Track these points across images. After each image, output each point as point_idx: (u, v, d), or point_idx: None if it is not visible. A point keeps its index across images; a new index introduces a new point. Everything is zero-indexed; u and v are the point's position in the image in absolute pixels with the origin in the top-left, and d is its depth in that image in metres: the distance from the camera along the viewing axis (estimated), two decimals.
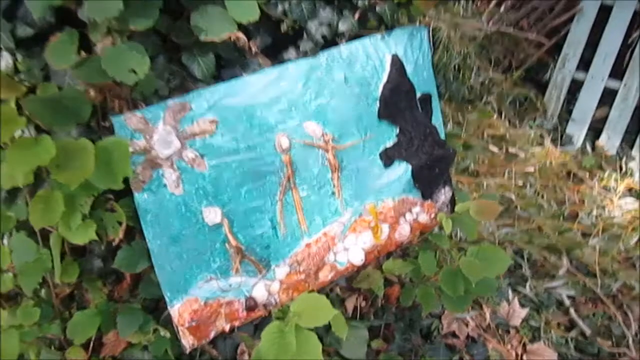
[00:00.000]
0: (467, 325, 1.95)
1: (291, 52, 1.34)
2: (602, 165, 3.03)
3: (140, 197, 1.12)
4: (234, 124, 1.18)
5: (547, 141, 3.14)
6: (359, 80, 1.33)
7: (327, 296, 1.41)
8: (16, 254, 1.17)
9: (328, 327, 1.21)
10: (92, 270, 1.23)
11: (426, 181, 1.48)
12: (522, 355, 1.91)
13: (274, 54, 1.33)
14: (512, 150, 3.03)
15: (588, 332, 2.03)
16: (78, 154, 0.97)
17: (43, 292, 1.28)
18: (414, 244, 1.57)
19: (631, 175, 2.97)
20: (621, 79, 3.18)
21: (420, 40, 1.42)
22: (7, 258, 1.18)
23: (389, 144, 1.41)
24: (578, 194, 2.77)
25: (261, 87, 1.21)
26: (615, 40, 3.15)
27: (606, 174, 2.94)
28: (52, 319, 1.25)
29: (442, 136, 1.52)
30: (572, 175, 2.93)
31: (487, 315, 2.03)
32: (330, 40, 1.34)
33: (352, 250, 1.36)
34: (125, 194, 1.12)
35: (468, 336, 1.92)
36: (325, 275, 1.34)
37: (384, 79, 1.37)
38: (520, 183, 2.79)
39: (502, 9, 3.44)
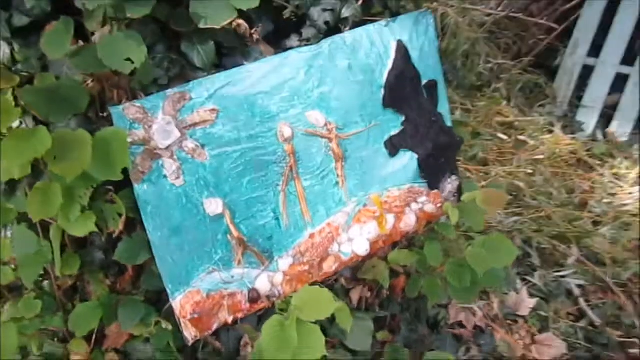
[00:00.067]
0: (474, 315, 1.93)
1: (293, 40, 1.31)
2: (613, 152, 2.98)
3: (140, 189, 1.10)
4: (235, 113, 1.16)
5: (557, 128, 3.09)
6: (363, 67, 1.30)
7: (332, 287, 1.41)
8: (17, 246, 1.17)
9: (333, 319, 1.20)
10: (94, 262, 1.23)
11: (432, 170, 1.45)
12: (530, 346, 1.89)
13: (276, 41, 1.31)
14: (521, 137, 2.98)
15: (598, 321, 2.00)
16: (75, 145, 0.96)
17: (45, 284, 1.28)
18: (420, 234, 1.55)
19: None
20: (633, 64, 3.12)
21: (426, 26, 1.39)
22: (8, 250, 1.17)
23: (394, 132, 1.38)
24: (588, 182, 2.72)
25: (263, 75, 1.19)
26: (627, 25, 3.09)
27: (617, 162, 2.89)
28: (55, 311, 1.24)
29: (449, 124, 1.49)
30: (582, 163, 2.89)
31: (495, 305, 2.00)
32: (334, 27, 1.32)
33: (357, 241, 1.34)
34: (125, 185, 1.10)
35: (475, 326, 1.90)
36: (329, 266, 1.32)
37: (389, 65, 1.34)
38: (529, 171, 2.75)
39: None
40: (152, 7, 1.00)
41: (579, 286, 2.15)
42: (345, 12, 1.32)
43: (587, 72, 3.26)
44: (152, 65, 1.13)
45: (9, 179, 1.03)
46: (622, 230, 2.38)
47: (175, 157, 1.12)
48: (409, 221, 1.42)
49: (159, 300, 1.25)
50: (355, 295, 1.50)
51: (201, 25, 1.10)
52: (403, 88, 1.36)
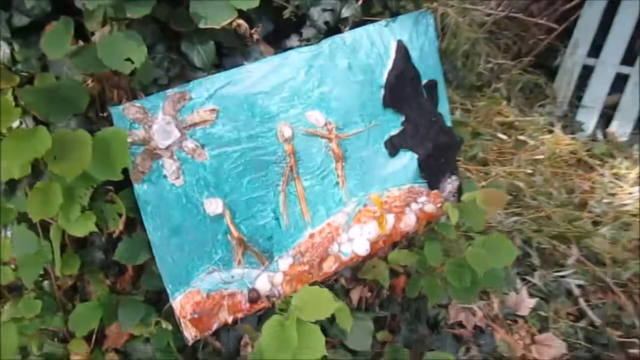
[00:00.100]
0: (474, 315, 1.93)
1: (293, 40, 1.31)
2: (613, 152, 2.98)
3: (140, 188, 1.10)
4: (235, 113, 1.16)
5: (557, 128, 3.09)
6: (363, 67, 1.30)
7: (332, 287, 1.41)
8: (17, 246, 1.17)
9: (333, 319, 1.20)
10: (94, 262, 1.22)
11: (432, 170, 1.45)
12: (530, 346, 1.89)
13: (276, 41, 1.31)
14: (521, 137, 2.98)
15: (598, 321, 2.00)
16: (75, 145, 0.96)
17: (45, 284, 1.28)
18: (420, 234, 1.55)
19: None
20: (633, 64, 3.12)
21: (426, 26, 1.39)
22: (8, 250, 1.17)
23: (394, 132, 1.38)
24: (588, 182, 2.72)
25: (262, 75, 1.19)
26: (627, 25, 3.08)
27: (617, 162, 2.89)
28: (55, 311, 1.24)
29: (449, 124, 1.49)
30: (582, 163, 2.88)
31: (495, 305, 2.00)
32: (334, 27, 1.32)
33: (357, 241, 1.34)
34: (125, 185, 1.10)
35: (475, 326, 1.90)
36: (329, 266, 1.32)
37: (389, 65, 1.34)
38: (529, 171, 2.74)
39: None
40: (152, 7, 1.00)
41: (579, 286, 2.14)
42: (345, 12, 1.32)
43: (587, 72, 3.26)
44: (152, 65, 1.13)
45: (9, 179, 1.03)
46: (622, 230, 2.38)
47: (175, 157, 1.12)
48: (409, 221, 1.42)
49: (159, 300, 1.25)
50: (355, 295, 1.50)
51: (201, 25, 1.10)
52: (403, 88, 1.36)
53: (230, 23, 1.16)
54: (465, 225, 1.97)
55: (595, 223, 2.45)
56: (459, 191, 1.51)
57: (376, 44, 1.31)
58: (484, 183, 2.57)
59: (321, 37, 1.29)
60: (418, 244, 1.60)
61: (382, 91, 1.33)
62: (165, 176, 1.12)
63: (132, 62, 0.97)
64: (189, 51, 1.17)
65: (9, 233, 1.23)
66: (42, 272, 1.23)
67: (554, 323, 1.98)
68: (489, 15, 3.25)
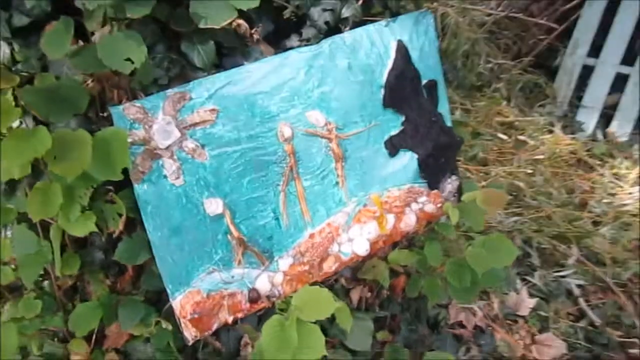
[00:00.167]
0: (474, 315, 1.93)
1: (294, 40, 1.31)
2: (613, 152, 2.98)
3: (140, 188, 1.10)
4: (235, 113, 1.16)
5: (557, 128, 3.09)
6: (363, 67, 1.30)
7: (332, 287, 1.41)
8: (17, 246, 1.16)
9: (332, 319, 1.20)
10: (94, 262, 1.22)
11: (432, 170, 1.45)
12: (530, 346, 1.89)
13: (276, 41, 1.31)
14: (521, 137, 2.98)
15: (598, 321, 2.00)
16: (75, 145, 0.95)
17: (46, 284, 1.28)
18: (420, 234, 1.55)
19: None
20: (633, 64, 3.12)
21: (426, 26, 1.39)
22: (8, 250, 1.17)
23: (394, 132, 1.38)
24: (588, 182, 2.72)
25: (262, 75, 1.19)
26: (627, 25, 3.08)
27: (617, 162, 2.89)
28: (55, 311, 1.24)
29: (449, 124, 1.49)
30: (582, 163, 2.88)
31: (495, 305, 2.00)
32: (334, 27, 1.32)
33: (357, 241, 1.34)
34: (125, 185, 1.10)
35: (475, 326, 1.90)
36: (329, 266, 1.32)
37: (389, 65, 1.34)
38: (529, 171, 2.75)
39: None
40: (151, 7, 1.00)
41: (579, 286, 2.14)
42: (346, 12, 1.32)
43: (587, 72, 3.26)
44: (152, 65, 1.13)
45: (9, 179, 1.03)
46: (622, 230, 2.38)
47: (175, 157, 1.12)
48: (409, 221, 1.42)
49: (159, 300, 1.25)
50: (355, 295, 1.50)
51: (201, 25, 1.10)
52: (403, 88, 1.36)
53: (231, 23, 1.15)
54: (466, 225, 1.97)
55: (596, 223, 2.45)
56: (459, 191, 1.51)
57: (376, 44, 1.31)
58: (484, 183, 2.57)
59: (321, 37, 1.29)
60: (418, 244, 1.60)
61: (382, 91, 1.33)
62: (165, 176, 1.12)
63: (132, 62, 0.97)
64: (189, 51, 1.16)
65: (9, 233, 1.23)
66: (42, 272, 1.23)
67: (554, 323, 1.98)
68: (489, 15, 3.25)
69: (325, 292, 1.01)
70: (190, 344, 1.19)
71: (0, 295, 1.27)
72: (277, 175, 1.23)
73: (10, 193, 1.15)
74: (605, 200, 2.59)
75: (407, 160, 1.41)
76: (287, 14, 1.28)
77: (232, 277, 1.21)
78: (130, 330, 1.21)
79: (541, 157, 2.84)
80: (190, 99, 1.12)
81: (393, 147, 1.38)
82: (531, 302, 2.03)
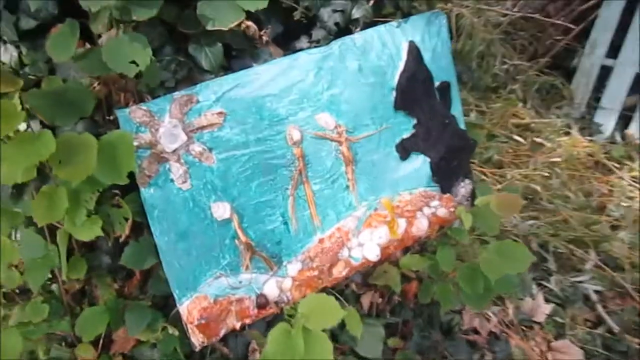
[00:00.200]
0: (489, 321, 1.90)
1: (303, 41, 1.30)
2: (632, 155, 2.91)
3: (147, 192, 1.09)
4: (243, 116, 1.15)
5: (575, 130, 3.03)
6: (374, 69, 1.28)
7: (342, 293, 1.39)
8: (24, 250, 1.16)
9: (343, 325, 1.18)
10: (101, 266, 1.22)
11: (445, 174, 1.43)
12: (546, 353, 1.85)
13: (286, 43, 1.29)
14: (537, 139, 2.93)
15: (616, 328, 1.95)
16: (80, 149, 0.95)
17: (54, 288, 1.27)
18: (433, 239, 1.52)
19: None
20: None
21: (439, 26, 1.36)
22: (16, 254, 1.17)
23: (406, 135, 1.36)
24: (606, 185, 2.66)
25: (271, 77, 1.17)
26: None
27: (636, 164, 2.83)
28: (62, 315, 1.23)
29: (462, 126, 1.46)
30: (600, 166, 2.82)
31: (510, 311, 1.97)
32: (344, 28, 1.30)
33: (367, 246, 1.32)
34: (132, 189, 1.09)
35: (490, 332, 1.86)
36: (339, 272, 1.30)
37: (401, 67, 1.32)
38: (545, 174, 2.69)
39: None
40: (158, 9, 0.98)
41: (597, 292, 2.10)
42: (356, 13, 1.30)
43: (605, 73, 3.20)
44: (159, 68, 1.12)
45: (17, 183, 1.03)
46: None
47: (182, 160, 1.10)
48: (421, 226, 1.40)
49: (166, 305, 1.24)
50: (365, 301, 1.48)
51: (209, 27, 1.09)
52: (415, 90, 1.34)
53: (239, 25, 1.14)
54: (480, 229, 1.93)
55: (614, 227, 2.40)
56: (473, 195, 1.48)
57: (387, 45, 1.29)
58: (499, 186, 2.53)
59: (331, 39, 1.27)
60: (430, 249, 1.57)
61: (394, 93, 1.31)
62: (172, 180, 1.10)
63: (137, 65, 0.95)
64: (196, 53, 1.15)
65: (18, 236, 1.22)
66: (50, 276, 1.23)
67: (570, 330, 1.94)
68: (504, 15, 3.21)
69: (332, 300, 0.99)
70: (197, 349, 1.18)
71: (9, 299, 1.27)
72: (286, 179, 1.21)
73: (17, 197, 1.15)
74: (623, 204, 2.53)
75: (419, 163, 1.38)
76: (296, 15, 1.26)
77: (240, 282, 1.19)
78: (137, 336, 1.20)
79: (558, 159, 2.79)
80: (198, 101, 1.10)
81: (404, 150, 1.35)
82: (547, 308, 1.99)
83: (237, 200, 1.17)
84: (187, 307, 1.15)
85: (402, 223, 1.36)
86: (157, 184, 1.09)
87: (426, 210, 1.40)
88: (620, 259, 2.20)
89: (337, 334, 1.39)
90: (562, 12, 3.28)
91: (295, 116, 1.20)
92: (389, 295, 1.52)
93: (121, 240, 1.14)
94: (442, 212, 1.43)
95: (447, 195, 1.44)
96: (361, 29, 1.29)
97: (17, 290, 1.28)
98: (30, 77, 1.10)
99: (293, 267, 1.25)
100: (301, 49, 1.25)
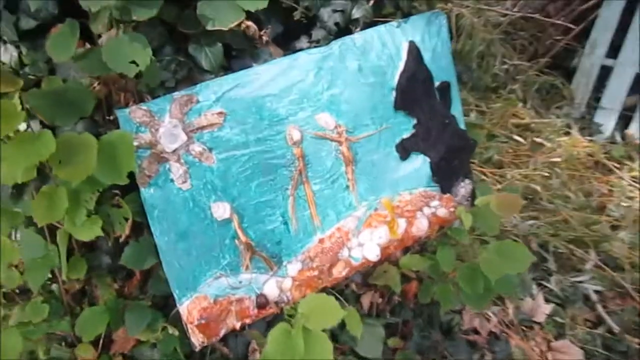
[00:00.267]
0: (489, 321, 1.90)
1: (303, 41, 1.29)
2: (632, 155, 2.91)
3: (147, 192, 1.09)
4: (243, 116, 1.15)
5: (575, 130, 3.03)
6: (374, 69, 1.28)
7: (342, 293, 1.38)
8: (25, 250, 1.16)
9: (343, 325, 1.18)
10: (101, 266, 1.22)
11: (445, 174, 1.43)
12: (546, 353, 1.85)
13: (286, 43, 1.29)
14: (537, 139, 2.92)
15: (616, 328, 1.95)
16: (80, 149, 0.95)
17: (55, 288, 1.27)
18: (433, 239, 1.52)
19: None
20: None
21: (439, 26, 1.36)
22: (17, 253, 1.16)
23: (406, 135, 1.36)
24: (606, 185, 2.66)
25: (271, 77, 1.17)
26: None
27: (636, 164, 2.83)
28: (62, 315, 1.23)
29: (462, 126, 1.46)
30: (600, 166, 2.82)
31: (510, 311, 1.97)
32: (344, 28, 1.30)
33: (367, 246, 1.32)
34: (132, 189, 1.09)
35: (490, 332, 1.86)
36: (339, 272, 1.30)
37: (401, 67, 1.32)
38: (545, 174, 2.69)
39: None
40: (158, 9, 0.98)
41: (597, 292, 2.10)
42: (356, 13, 1.30)
43: (605, 73, 3.20)
44: (159, 68, 1.12)
45: (11, 184, 1.03)
46: None
47: (182, 160, 1.10)
48: (421, 226, 1.40)
49: (166, 305, 1.24)
50: (365, 301, 1.47)
51: (209, 27, 1.09)
52: (415, 90, 1.34)
53: (239, 25, 1.14)
54: (480, 229, 1.93)
55: (614, 227, 2.39)
56: (473, 195, 1.48)
57: (387, 45, 1.29)
58: (499, 186, 2.52)
59: (331, 39, 1.27)
60: (430, 249, 1.57)
61: (394, 93, 1.31)
62: (172, 180, 1.10)
63: (137, 65, 0.95)
64: (196, 53, 1.15)
65: (19, 236, 1.22)
66: (50, 276, 1.23)
67: (570, 330, 1.94)
68: (504, 15, 3.20)
69: (332, 300, 0.99)
70: (197, 349, 1.18)
71: (9, 299, 1.27)
72: (286, 179, 1.21)
73: (17, 197, 1.15)
74: (624, 204, 2.53)
75: (419, 163, 1.38)
76: (296, 15, 1.26)
77: (240, 282, 1.19)
78: (137, 336, 1.20)
79: (558, 159, 2.78)
80: (198, 101, 1.10)
81: (404, 150, 1.35)
82: (547, 308, 1.99)
83: (237, 200, 1.17)
84: (187, 307, 1.15)
85: (402, 223, 1.36)
86: (157, 184, 1.09)
87: (426, 210, 1.40)
88: (621, 259, 2.20)
89: (337, 334, 1.39)
90: (562, 12, 3.28)
91: (295, 116, 1.20)
92: (389, 295, 1.52)
93: (121, 240, 1.14)
94: (442, 212, 1.43)
95: (447, 195, 1.44)
96: (361, 29, 1.29)
97: (17, 290, 1.29)
98: (30, 77, 1.10)
99: (293, 267, 1.25)
100: (301, 49, 1.25)
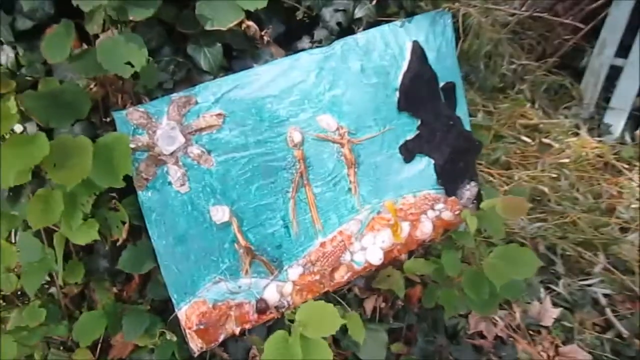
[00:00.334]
0: (495, 325, 1.87)
1: (305, 41, 1.27)
2: None
3: (144, 196, 1.07)
4: (243, 118, 1.13)
5: (583, 131, 2.99)
6: (376, 69, 1.26)
7: (344, 297, 1.36)
8: (22, 254, 1.14)
9: (345, 330, 1.16)
10: (99, 270, 1.20)
11: (450, 176, 1.40)
12: (554, 358, 1.82)
13: (287, 43, 1.27)
14: (545, 140, 2.89)
15: (625, 333, 1.92)
16: (76, 152, 0.93)
17: (53, 292, 1.26)
18: (437, 242, 1.49)
19: None
20: None
21: (443, 26, 1.33)
22: (14, 257, 1.15)
23: (410, 137, 1.33)
24: (616, 187, 2.63)
25: (271, 78, 1.15)
26: None
27: None
28: (60, 319, 1.22)
29: (467, 127, 1.43)
30: (609, 167, 2.78)
31: (517, 315, 1.94)
32: (346, 28, 1.28)
33: (370, 250, 1.30)
34: (129, 192, 1.08)
35: (496, 337, 1.84)
36: (341, 276, 1.28)
37: (404, 67, 1.29)
38: (554, 175, 2.66)
39: None
40: (155, 9, 0.96)
41: (606, 295, 2.07)
42: (359, 13, 1.28)
43: (614, 73, 3.16)
44: (157, 69, 1.10)
45: (5, 187, 1.01)
46: None
47: (180, 163, 1.08)
48: (425, 229, 1.37)
49: (165, 310, 1.22)
50: (368, 306, 1.45)
51: (207, 27, 1.07)
52: (419, 91, 1.31)
53: (240, 25, 1.13)
54: (487, 232, 1.90)
55: (623, 229, 2.36)
56: (478, 198, 1.45)
57: (391, 45, 1.26)
58: (506, 187, 2.49)
59: (333, 39, 1.25)
60: (435, 253, 1.54)
61: (397, 94, 1.29)
62: (170, 183, 1.08)
63: (133, 66, 0.93)
64: (195, 54, 1.13)
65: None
66: (48, 279, 1.21)
67: (579, 334, 1.91)
68: (512, 15, 3.17)
69: (331, 307, 0.97)
70: (195, 355, 1.16)
71: (8, 301, 1.26)
72: (287, 182, 1.19)
73: (14, 200, 1.13)
74: (633, 206, 2.49)
75: (423, 165, 1.36)
76: (298, 15, 1.24)
77: (240, 287, 1.17)
78: (135, 341, 1.19)
79: (566, 160, 2.75)
80: (196, 103, 1.08)
81: (408, 152, 1.33)
82: (555, 312, 1.96)
83: (236, 204, 1.15)
84: (186, 312, 1.13)
85: (405, 226, 1.34)
86: (154, 187, 1.07)
87: (430, 214, 1.38)
88: (630, 262, 2.16)
89: (339, 340, 1.37)
90: (570, 11, 3.24)
91: (296, 117, 1.18)
92: (393, 300, 1.50)
93: (118, 244, 1.12)
94: (446, 215, 1.40)
95: (452, 198, 1.41)
96: (364, 29, 1.26)
97: (18, 293, 1.28)
98: (27, 78, 1.08)
99: (294, 272, 1.22)
100: (303, 49, 1.23)
